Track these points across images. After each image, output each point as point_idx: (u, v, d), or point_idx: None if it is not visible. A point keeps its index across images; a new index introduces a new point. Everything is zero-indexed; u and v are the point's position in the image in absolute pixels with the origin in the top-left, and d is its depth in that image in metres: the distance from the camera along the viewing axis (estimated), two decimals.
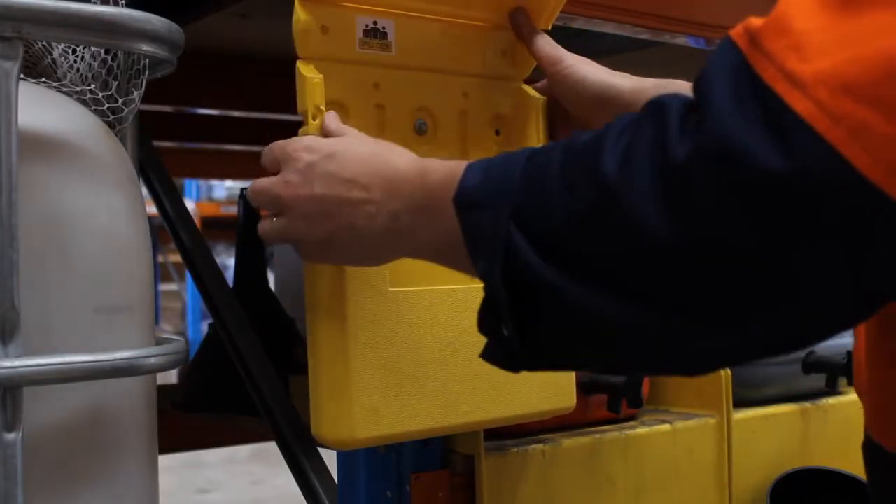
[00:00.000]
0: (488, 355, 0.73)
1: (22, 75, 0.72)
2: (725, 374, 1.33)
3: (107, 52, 0.88)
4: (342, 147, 0.83)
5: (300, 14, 0.92)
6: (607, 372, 1.18)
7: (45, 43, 0.85)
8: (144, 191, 1.17)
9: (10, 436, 0.69)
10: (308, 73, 0.91)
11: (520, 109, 1.07)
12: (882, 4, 0.54)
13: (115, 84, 0.88)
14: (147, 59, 0.89)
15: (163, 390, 1.18)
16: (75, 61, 0.86)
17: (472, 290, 0.98)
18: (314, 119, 0.91)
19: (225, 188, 6.96)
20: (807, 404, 1.48)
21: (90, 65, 0.87)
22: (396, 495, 1.07)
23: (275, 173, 0.86)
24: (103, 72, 0.88)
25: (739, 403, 1.38)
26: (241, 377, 1.37)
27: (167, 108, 2.03)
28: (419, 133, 1.00)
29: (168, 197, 1.52)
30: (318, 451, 1.24)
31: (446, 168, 0.75)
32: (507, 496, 1.12)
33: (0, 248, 0.69)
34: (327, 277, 0.91)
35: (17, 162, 0.70)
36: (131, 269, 0.81)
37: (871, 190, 0.53)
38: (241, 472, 5.18)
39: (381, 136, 0.97)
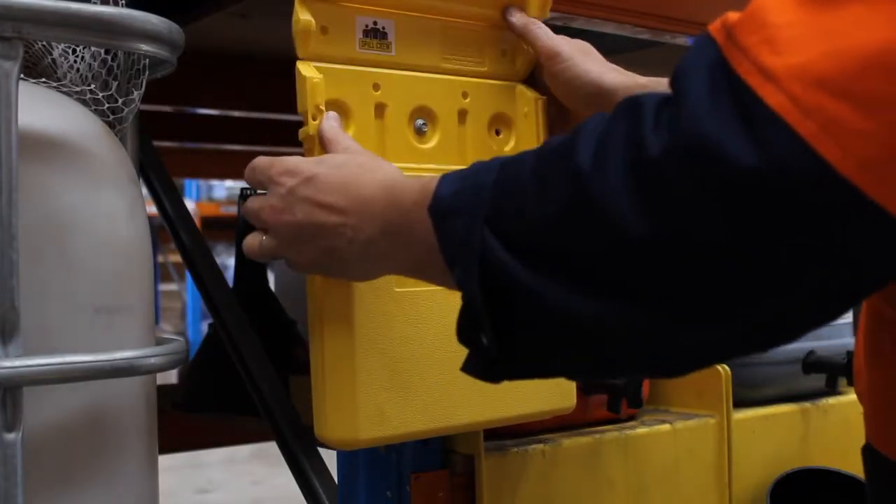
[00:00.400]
0: (469, 367, 0.72)
1: (22, 75, 0.72)
2: (725, 373, 1.33)
3: (107, 52, 0.88)
4: (322, 170, 0.83)
5: (300, 14, 0.92)
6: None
7: (45, 43, 0.85)
8: (144, 191, 1.17)
9: (10, 436, 0.69)
10: (308, 73, 0.91)
11: (520, 109, 1.07)
12: None
13: (115, 84, 0.88)
14: (147, 59, 0.89)
15: (163, 390, 1.18)
16: (75, 61, 0.86)
17: None
18: (314, 119, 0.91)
19: (225, 188, 6.96)
20: (807, 404, 1.48)
21: (90, 65, 0.87)
22: (396, 495, 1.07)
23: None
24: (103, 72, 0.88)
25: (739, 403, 1.38)
26: (241, 377, 1.37)
27: (167, 108, 2.03)
28: (419, 133, 1.00)
29: (168, 197, 1.52)
30: (318, 451, 1.24)
31: (419, 184, 0.75)
32: (507, 496, 1.12)
33: (0, 248, 0.69)
34: (330, 278, 0.91)
35: (17, 162, 0.70)
36: (131, 269, 0.81)
37: (844, 184, 0.53)
38: (241, 472, 5.18)
39: (381, 136, 0.98)
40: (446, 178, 0.72)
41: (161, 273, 6.71)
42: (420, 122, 1.00)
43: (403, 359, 0.94)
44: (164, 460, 1.00)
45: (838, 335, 1.53)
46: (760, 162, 0.54)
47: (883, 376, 0.75)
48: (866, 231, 0.55)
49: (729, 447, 1.34)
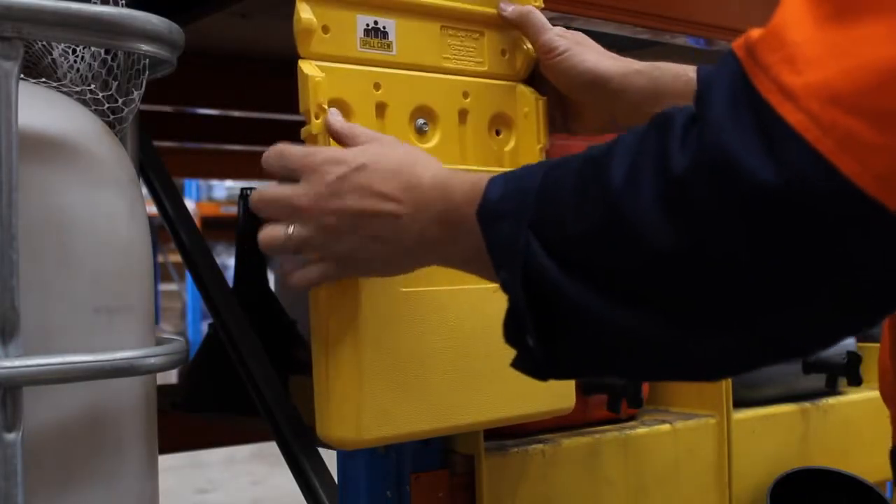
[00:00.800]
0: (518, 364, 0.75)
1: (22, 75, 0.72)
2: None
3: (107, 52, 0.88)
4: (372, 159, 0.83)
5: (301, 13, 0.92)
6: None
7: (45, 43, 0.85)
8: (144, 191, 1.17)
9: (10, 436, 0.69)
10: (310, 72, 0.91)
11: (520, 109, 1.07)
12: (872, 16, 0.55)
13: (115, 84, 0.88)
14: (147, 59, 0.89)
15: (163, 390, 1.18)
16: (75, 61, 0.86)
17: (480, 291, 0.98)
18: (316, 118, 0.91)
19: (225, 188, 6.96)
20: (807, 404, 1.48)
21: (90, 65, 0.87)
22: (396, 495, 1.07)
23: (283, 180, 0.86)
24: (103, 72, 0.88)
25: (739, 403, 1.38)
26: (241, 377, 1.37)
27: (167, 108, 2.03)
28: (420, 133, 1.00)
29: (168, 197, 1.52)
30: (318, 451, 1.24)
31: (469, 182, 0.77)
32: (507, 496, 1.12)
33: (0, 248, 0.69)
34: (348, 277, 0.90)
35: (17, 162, 0.70)
36: (131, 269, 0.81)
37: (862, 198, 0.55)
38: (241, 472, 5.18)
39: None
40: (494, 181, 0.74)
41: (161, 273, 6.71)
42: (421, 121, 1.00)
43: (407, 359, 0.94)
44: (164, 460, 1.00)
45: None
46: (780, 178, 0.56)
47: None
48: (886, 242, 0.56)
49: (729, 447, 1.34)
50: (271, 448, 1.43)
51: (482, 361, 0.99)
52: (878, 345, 1.56)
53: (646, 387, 1.28)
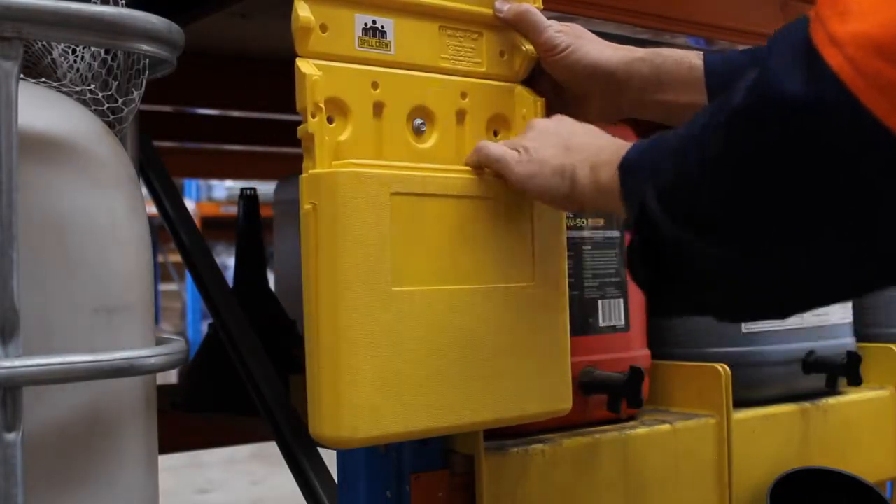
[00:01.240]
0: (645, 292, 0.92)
1: (22, 75, 0.72)
2: (725, 373, 1.33)
3: (107, 52, 0.88)
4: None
5: (300, 11, 0.92)
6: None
7: (45, 43, 0.85)
8: (144, 191, 1.17)
9: (10, 436, 0.69)
10: (307, 71, 0.92)
11: (518, 110, 1.07)
12: None
13: (115, 84, 0.88)
14: (147, 59, 0.89)
15: (163, 390, 1.18)
16: (75, 61, 0.86)
17: (473, 291, 0.98)
18: (313, 117, 0.91)
19: (225, 188, 6.95)
20: (807, 404, 1.48)
21: (90, 65, 0.87)
22: (396, 495, 1.07)
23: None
24: (103, 72, 0.88)
25: (739, 403, 1.38)
26: (241, 377, 1.37)
27: (167, 108, 2.03)
28: (417, 133, 1.00)
29: (168, 197, 1.52)
30: (318, 451, 1.24)
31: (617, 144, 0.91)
32: (507, 496, 1.12)
33: (0, 248, 0.69)
34: (326, 276, 0.91)
35: (17, 162, 0.70)
36: (131, 269, 0.81)
37: (886, 134, 0.63)
38: (241, 472, 5.18)
39: (380, 135, 0.98)
40: (638, 142, 0.87)
41: (161, 273, 6.71)
42: (418, 121, 1.00)
43: (399, 358, 0.93)
44: (164, 460, 1.00)
45: (838, 335, 1.53)
46: (809, 96, 0.66)
47: None
48: None
49: (729, 447, 1.33)
50: (271, 448, 1.43)
51: (477, 362, 0.98)
52: (878, 345, 1.56)
53: (646, 387, 1.28)
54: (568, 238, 1.21)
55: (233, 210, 2.48)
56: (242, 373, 1.37)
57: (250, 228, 1.96)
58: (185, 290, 7.07)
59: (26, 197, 0.72)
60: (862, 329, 1.63)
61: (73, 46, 0.86)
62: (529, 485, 1.14)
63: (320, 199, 0.91)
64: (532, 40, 1.06)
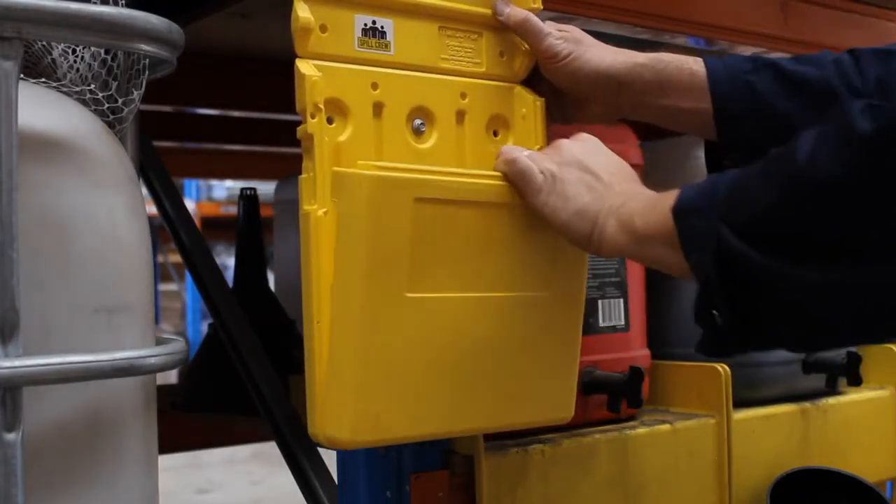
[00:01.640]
0: (702, 347, 0.87)
1: (22, 75, 0.72)
2: (725, 373, 1.33)
3: (107, 52, 0.88)
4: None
5: (299, 11, 0.92)
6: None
7: (45, 43, 0.85)
8: (144, 191, 1.17)
9: (10, 436, 0.70)
10: (307, 71, 0.91)
11: (518, 111, 1.07)
12: None
13: (115, 84, 0.88)
14: (147, 59, 0.89)
15: (163, 390, 1.18)
16: (75, 61, 0.86)
17: (488, 300, 0.98)
18: (312, 117, 0.91)
19: (225, 188, 6.95)
20: (807, 404, 1.48)
21: (90, 65, 0.87)
22: (396, 495, 1.07)
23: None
24: (103, 72, 0.88)
25: (739, 403, 1.38)
26: (241, 377, 1.37)
27: (167, 108, 2.03)
28: (417, 133, 1.00)
29: (168, 197, 1.52)
30: (318, 451, 1.24)
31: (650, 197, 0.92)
32: (507, 496, 1.12)
33: (0, 248, 0.69)
34: (340, 277, 0.90)
35: (17, 162, 0.70)
36: (131, 269, 0.81)
37: None
38: (241, 472, 5.18)
39: (379, 135, 0.98)
40: (686, 187, 0.86)
41: (161, 273, 6.71)
42: (418, 121, 1.00)
43: (405, 363, 0.93)
44: (164, 460, 1.00)
45: None
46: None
47: None
48: None
49: (729, 447, 1.33)
50: (271, 448, 1.43)
51: (483, 369, 0.98)
52: (878, 345, 1.56)
53: (646, 387, 1.28)
54: None
55: (233, 210, 2.48)
56: (242, 373, 1.37)
57: (250, 228, 1.97)
58: (185, 290, 7.07)
59: (26, 197, 0.72)
60: None
61: (73, 46, 0.86)
62: (529, 485, 1.14)
63: (341, 199, 0.90)
64: (533, 48, 1.05)
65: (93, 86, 0.87)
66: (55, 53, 0.86)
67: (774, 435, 1.42)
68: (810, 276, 0.77)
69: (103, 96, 0.87)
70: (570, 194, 0.94)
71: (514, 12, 1.05)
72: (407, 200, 0.91)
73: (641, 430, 1.26)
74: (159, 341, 0.85)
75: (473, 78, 1.05)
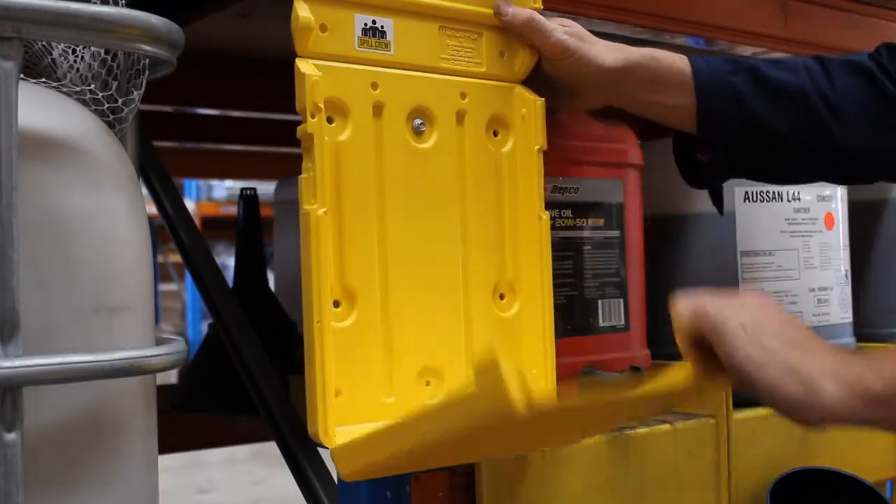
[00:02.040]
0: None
1: (22, 75, 0.72)
2: None
3: (107, 52, 0.88)
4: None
5: (299, 11, 0.92)
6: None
7: (45, 43, 0.85)
8: (144, 191, 1.17)
9: (10, 436, 0.69)
10: (307, 71, 0.92)
11: (518, 111, 1.07)
12: None
13: (115, 84, 0.88)
14: (147, 59, 0.89)
15: (163, 390, 1.18)
16: (75, 61, 0.86)
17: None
18: (312, 117, 0.91)
19: (225, 188, 6.95)
20: None
21: (90, 65, 0.87)
22: (396, 495, 1.07)
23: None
24: (103, 72, 0.88)
25: (739, 403, 1.38)
26: (241, 377, 1.37)
27: (167, 108, 2.03)
28: (417, 133, 1.00)
29: (168, 197, 1.52)
30: (318, 451, 1.24)
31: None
32: (507, 496, 1.12)
33: (0, 248, 0.69)
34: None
35: (17, 162, 0.70)
36: (131, 269, 0.81)
37: None
38: (241, 472, 5.18)
39: (379, 135, 0.98)
40: None
41: (161, 273, 6.71)
42: (418, 121, 1.00)
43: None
44: (164, 460, 1.00)
45: (838, 335, 1.53)
46: None
47: None
48: None
49: (729, 447, 1.33)
50: (271, 448, 1.43)
51: None
52: (878, 345, 1.56)
53: None
54: (568, 238, 1.22)
55: (233, 210, 2.48)
56: (242, 373, 1.37)
57: (250, 228, 1.97)
58: (185, 290, 7.07)
59: (26, 197, 0.72)
60: (862, 329, 1.63)
61: (73, 46, 0.86)
62: (529, 485, 1.14)
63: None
64: (539, 44, 1.07)
65: (93, 86, 0.86)
66: (55, 53, 0.86)
67: (774, 435, 1.42)
68: None
69: (103, 96, 0.87)
70: (772, 347, 0.85)
71: (519, 12, 1.06)
72: None
73: (641, 430, 1.26)
74: (159, 341, 0.85)
75: (473, 78, 1.05)
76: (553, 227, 1.11)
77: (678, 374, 0.91)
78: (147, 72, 0.89)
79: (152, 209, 1.33)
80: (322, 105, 0.92)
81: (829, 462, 1.45)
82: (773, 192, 1.44)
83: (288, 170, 2.13)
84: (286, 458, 1.27)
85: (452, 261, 1.02)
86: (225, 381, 1.62)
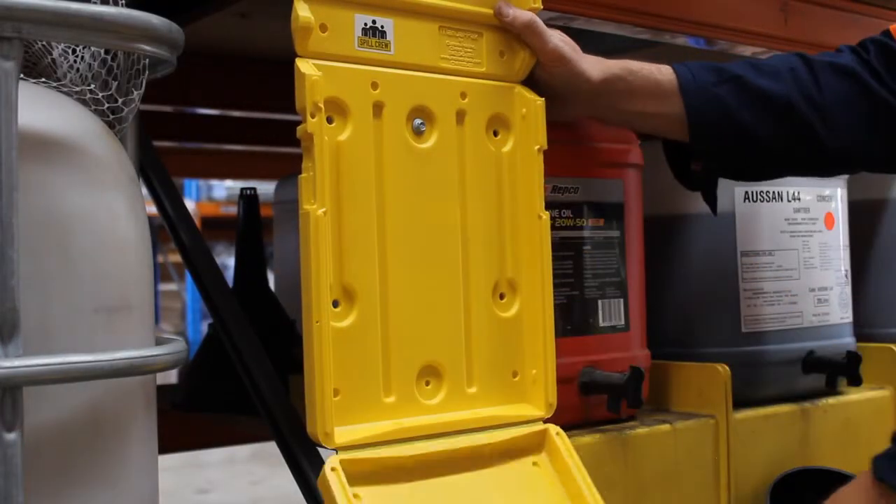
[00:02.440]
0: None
1: (22, 75, 0.72)
2: (725, 373, 1.33)
3: (107, 52, 0.88)
4: None
5: (299, 11, 0.92)
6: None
7: (45, 43, 0.85)
8: (144, 191, 1.17)
9: (10, 436, 0.69)
10: (307, 71, 0.91)
11: (518, 111, 1.07)
12: None
13: (115, 84, 0.88)
14: (147, 59, 0.89)
15: (163, 390, 1.18)
16: (75, 61, 0.86)
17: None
18: (312, 117, 0.91)
19: (225, 188, 6.95)
20: (807, 404, 1.48)
21: (90, 65, 0.87)
22: None
23: None
24: (103, 72, 0.88)
25: (739, 403, 1.38)
26: (241, 377, 1.37)
27: (167, 108, 2.03)
28: (417, 133, 1.00)
29: (168, 197, 1.52)
30: (318, 451, 1.23)
31: None
32: None
33: (0, 248, 0.69)
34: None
35: (17, 162, 0.70)
36: (131, 269, 0.81)
37: None
38: (241, 472, 5.18)
39: (379, 135, 0.98)
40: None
41: (161, 273, 6.71)
42: (418, 121, 1.00)
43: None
44: (164, 460, 1.00)
45: (838, 335, 1.53)
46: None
47: None
48: None
49: (729, 447, 1.33)
50: (271, 448, 1.43)
51: None
52: (878, 345, 1.56)
53: (646, 387, 1.28)
54: (568, 238, 1.22)
55: (233, 210, 2.48)
56: (242, 373, 1.37)
57: (250, 228, 1.96)
58: (185, 290, 7.07)
59: (26, 197, 0.72)
60: (862, 329, 1.63)
61: (73, 46, 0.86)
62: None
63: None
64: (537, 48, 1.08)
65: (93, 86, 0.86)
66: (55, 53, 0.86)
67: (774, 435, 1.42)
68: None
69: (103, 96, 0.87)
70: None
71: (520, 14, 1.06)
72: None
73: (641, 430, 1.26)
74: (159, 341, 0.85)
75: (473, 78, 1.05)
76: (553, 227, 1.11)
77: None
78: (147, 72, 0.89)
79: (152, 209, 1.33)
80: (322, 105, 0.92)
81: (829, 462, 1.45)
82: (773, 192, 1.44)
83: (288, 170, 2.13)
84: (286, 458, 1.26)
85: (452, 260, 1.02)
86: (225, 381, 1.62)
